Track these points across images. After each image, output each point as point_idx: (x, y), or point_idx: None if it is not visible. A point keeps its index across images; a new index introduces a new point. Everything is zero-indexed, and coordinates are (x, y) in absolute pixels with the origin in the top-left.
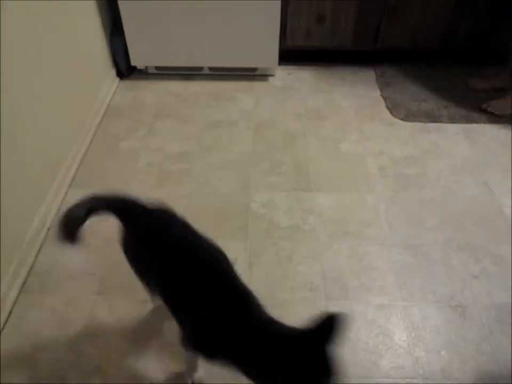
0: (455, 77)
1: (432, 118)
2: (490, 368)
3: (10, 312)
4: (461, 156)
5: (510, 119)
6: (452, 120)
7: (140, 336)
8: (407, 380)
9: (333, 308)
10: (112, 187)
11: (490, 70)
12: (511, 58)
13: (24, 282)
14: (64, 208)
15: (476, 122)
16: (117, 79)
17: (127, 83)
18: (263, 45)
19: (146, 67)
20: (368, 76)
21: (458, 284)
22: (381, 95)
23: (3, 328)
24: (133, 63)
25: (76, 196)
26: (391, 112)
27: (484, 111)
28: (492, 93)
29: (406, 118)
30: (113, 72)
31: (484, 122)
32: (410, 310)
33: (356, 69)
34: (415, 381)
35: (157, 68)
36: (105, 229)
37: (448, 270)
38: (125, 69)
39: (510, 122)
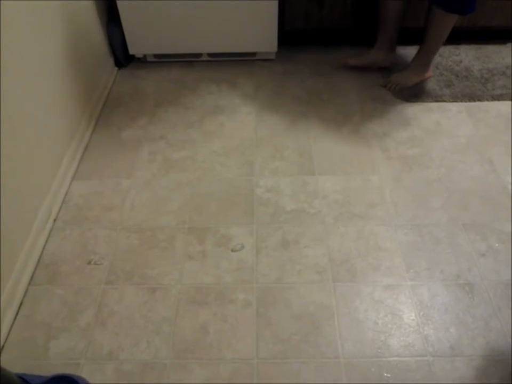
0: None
1: (434, 97)
2: (499, 344)
3: (20, 304)
4: (464, 134)
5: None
6: (455, 98)
7: (149, 322)
8: (417, 358)
9: (341, 289)
10: (116, 177)
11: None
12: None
13: (33, 274)
14: (69, 199)
15: (479, 100)
16: (115, 69)
17: (126, 72)
18: (262, 29)
19: (145, 55)
20: None
21: (465, 262)
22: (383, 76)
23: (14, 319)
24: (131, 51)
25: (80, 187)
26: (393, 93)
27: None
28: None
29: (409, 98)
30: (111, 61)
31: (487, 100)
32: (418, 289)
33: (357, 51)
34: (425, 358)
35: (155, 56)
36: (111, 218)
37: (455, 248)
38: (123, 58)
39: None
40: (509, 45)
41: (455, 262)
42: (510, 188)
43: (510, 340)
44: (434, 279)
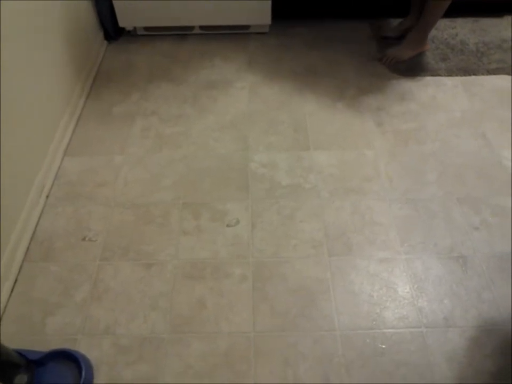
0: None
1: (430, 71)
2: (491, 315)
3: (15, 281)
4: (459, 109)
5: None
6: (450, 73)
7: (145, 297)
8: (411, 329)
9: (337, 263)
10: (108, 153)
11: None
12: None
13: (27, 251)
14: (62, 175)
15: (475, 74)
16: (105, 42)
17: (116, 46)
18: (255, 1)
19: (135, 28)
20: (365, 30)
21: (459, 236)
22: (379, 50)
23: (10, 296)
24: (120, 24)
25: (72, 163)
26: (388, 67)
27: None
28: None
29: (404, 72)
30: (100, 34)
31: (483, 74)
32: (413, 262)
33: (352, 25)
34: (419, 329)
35: (146, 28)
36: (105, 194)
37: (449, 222)
38: (112, 31)
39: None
40: (506, 18)
41: (449, 236)
42: (505, 162)
43: (501, 311)
44: (428, 252)
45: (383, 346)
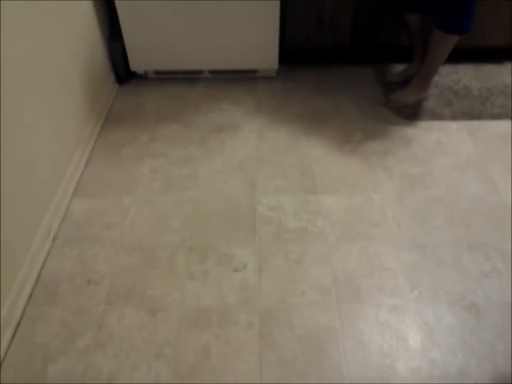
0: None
1: (434, 116)
2: (508, 369)
3: (18, 324)
4: (465, 153)
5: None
6: (454, 117)
7: (150, 345)
8: (424, 382)
9: (345, 311)
10: (116, 194)
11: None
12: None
13: (31, 294)
14: (69, 217)
15: (479, 118)
16: (116, 85)
17: (127, 89)
18: (263, 46)
19: (146, 72)
20: (370, 75)
21: (469, 283)
22: (383, 95)
23: (11, 341)
24: (132, 68)
25: (80, 204)
26: (393, 112)
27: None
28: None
29: (409, 117)
30: (112, 77)
31: (487, 119)
32: (423, 311)
33: (357, 69)
34: (432, 383)
35: (156, 72)
36: (112, 237)
37: (459, 269)
38: (124, 74)
39: (505, 116)
40: (506, 64)
41: (460, 283)
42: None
43: None
44: (439, 300)
45: None
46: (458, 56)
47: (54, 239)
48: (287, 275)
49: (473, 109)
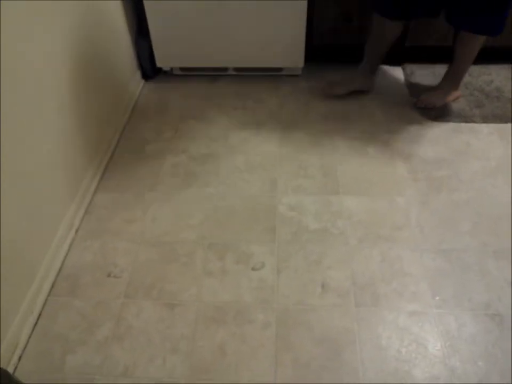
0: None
1: (464, 118)
2: None
3: (39, 315)
4: (495, 157)
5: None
6: (485, 120)
7: (166, 339)
8: None
9: (364, 314)
10: (138, 189)
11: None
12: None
13: (53, 285)
14: (92, 211)
15: (511, 121)
16: (142, 81)
17: (152, 85)
18: (289, 44)
19: (172, 68)
20: (397, 75)
21: (495, 291)
22: (410, 95)
23: (33, 330)
24: (158, 64)
25: (103, 198)
26: (420, 113)
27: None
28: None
29: (437, 118)
30: (138, 74)
31: None
32: (445, 317)
33: (385, 69)
34: None
35: (182, 69)
36: (132, 232)
37: (484, 276)
38: (150, 70)
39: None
40: None
41: (484, 291)
42: None
43: None
44: (462, 307)
45: None
46: (491, 56)
47: (76, 232)
48: (306, 276)
49: (506, 111)
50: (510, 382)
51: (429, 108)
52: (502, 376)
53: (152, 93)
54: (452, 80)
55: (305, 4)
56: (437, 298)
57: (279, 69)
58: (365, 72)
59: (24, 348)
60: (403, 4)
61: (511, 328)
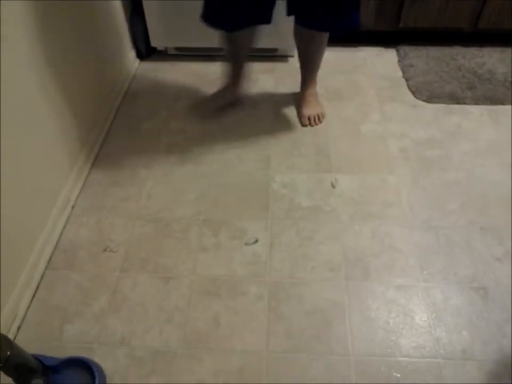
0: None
1: (455, 99)
2: None
3: (37, 287)
4: (485, 138)
5: None
6: (477, 101)
7: (161, 311)
8: (427, 360)
9: (354, 287)
10: (134, 167)
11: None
12: None
13: (50, 259)
14: (88, 187)
15: (502, 103)
16: (137, 61)
17: (147, 64)
18: (283, 25)
19: (166, 48)
20: (390, 57)
21: (480, 266)
22: (403, 76)
23: (31, 302)
24: (153, 43)
25: (99, 175)
26: (413, 94)
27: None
28: None
29: (429, 99)
30: (133, 53)
31: (510, 104)
32: (432, 291)
33: (378, 50)
34: (436, 360)
35: (177, 48)
36: (128, 208)
37: (471, 252)
38: (144, 50)
39: None
40: None
41: (470, 265)
42: None
43: None
44: (448, 281)
45: (398, 375)
46: (484, 39)
47: (72, 207)
48: (298, 251)
49: (497, 94)
50: (492, 351)
51: (316, 122)
52: (485, 345)
53: (147, 72)
54: (313, 81)
55: None
56: (425, 272)
57: (274, 50)
58: (237, 81)
59: (23, 319)
60: (224, 14)
61: (495, 300)
